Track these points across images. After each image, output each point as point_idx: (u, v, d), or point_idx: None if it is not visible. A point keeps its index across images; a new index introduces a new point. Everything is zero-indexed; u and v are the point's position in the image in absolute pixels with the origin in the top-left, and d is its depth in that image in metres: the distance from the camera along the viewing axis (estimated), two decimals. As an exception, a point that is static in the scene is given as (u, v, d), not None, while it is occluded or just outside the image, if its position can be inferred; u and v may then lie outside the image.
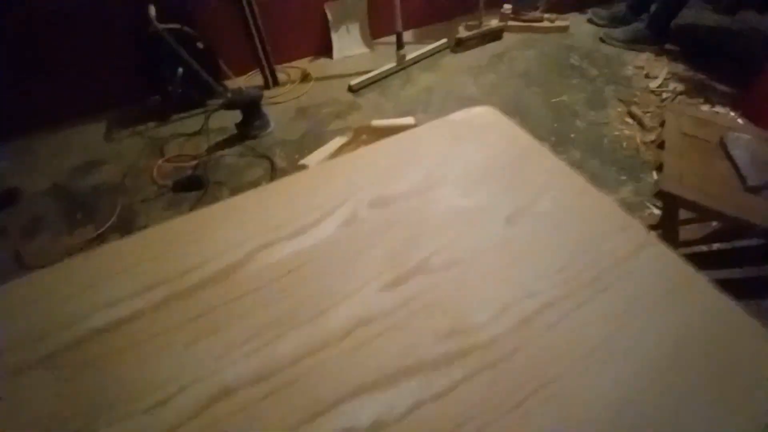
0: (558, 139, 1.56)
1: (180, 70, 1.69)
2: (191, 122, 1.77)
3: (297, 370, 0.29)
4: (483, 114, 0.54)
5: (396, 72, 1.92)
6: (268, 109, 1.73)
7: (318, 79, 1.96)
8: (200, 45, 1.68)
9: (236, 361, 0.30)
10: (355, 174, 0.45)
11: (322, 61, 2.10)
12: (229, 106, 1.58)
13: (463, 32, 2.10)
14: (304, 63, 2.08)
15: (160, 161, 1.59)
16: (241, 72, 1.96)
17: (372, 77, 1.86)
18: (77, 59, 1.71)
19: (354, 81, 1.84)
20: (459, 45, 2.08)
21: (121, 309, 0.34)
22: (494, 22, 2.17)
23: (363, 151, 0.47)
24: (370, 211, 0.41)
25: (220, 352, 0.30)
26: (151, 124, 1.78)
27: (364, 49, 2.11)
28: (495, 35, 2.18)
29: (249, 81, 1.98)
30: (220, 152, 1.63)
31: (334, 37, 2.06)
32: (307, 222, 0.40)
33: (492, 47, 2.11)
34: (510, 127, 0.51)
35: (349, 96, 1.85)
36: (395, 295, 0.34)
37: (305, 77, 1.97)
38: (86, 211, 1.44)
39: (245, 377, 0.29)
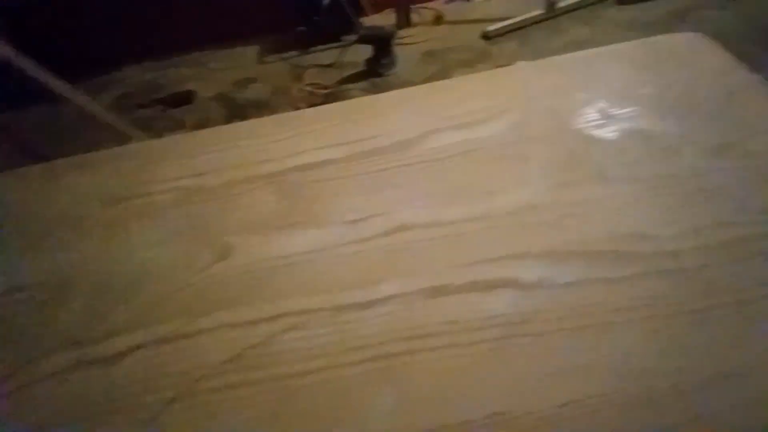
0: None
1: (326, 0, 1.79)
2: (327, 55, 1.90)
3: (468, 227, 0.33)
4: (690, 40, 0.46)
5: (542, 21, 1.72)
6: (397, 49, 1.75)
7: (451, 22, 1.88)
8: (349, -23, 1.74)
9: (413, 208, 0.35)
10: (532, 83, 0.44)
11: (458, 3, 1.99)
12: (364, 40, 1.64)
13: (637, -21, 1.74)
14: (438, 5, 2.00)
15: (298, 86, 1.77)
16: (377, 10, 1.99)
17: (512, 24, 1.71)
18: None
19: (490, 27, 1.72)
20: (628, -6, 1.74)
21: (313, 156, 0.41)
22: (683, -31, 1.74)
23: (543, 63, 0.45)
24: (542, 120, 0.40)
25: (400, 200, 0.36)
26: (294, 53, 1.97)
27: (508, -7, 1.92)
28: (680, -13, 1.75)
29: (383, 20, 2.00)
30: (348, 85, 1.73)
31: (479, -22, 1.91)
32: (476, 118, 0.41)
33: (672, 1, 1.71)
34: (723, 58, 0.43)
35: (482, 43, 1.74)
36: (568, 194, 0.34)
37: (437, 19, 1.90)
38: (241, 120, 1.71)
39: (421, 221, 0.34)
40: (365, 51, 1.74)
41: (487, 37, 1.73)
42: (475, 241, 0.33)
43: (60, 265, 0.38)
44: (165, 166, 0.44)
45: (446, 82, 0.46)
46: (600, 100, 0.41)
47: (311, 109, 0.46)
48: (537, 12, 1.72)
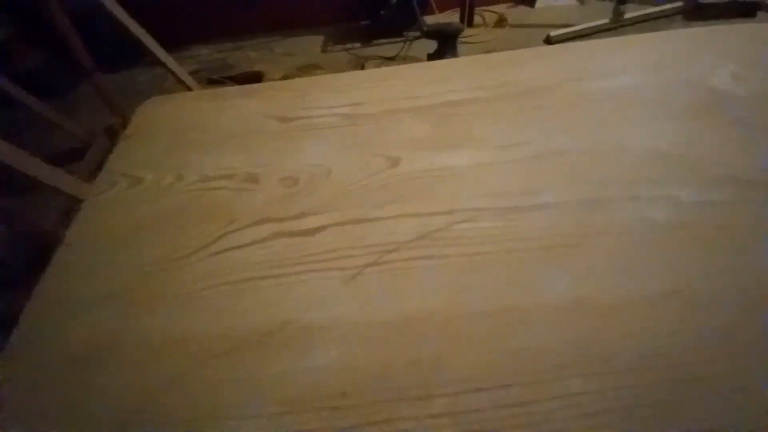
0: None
1: (395, -3, 1.88)
2: (388, 48, 1.99)
3: (617, 154, 0.37)
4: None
5: (607, 30, 1.75)
6: (460, 47, 1.81)
7: (514, 25, 1.93)
8: (420, -25, 1.83)
9: (562, 138, 0.40)
10: (662, 46, 0.48)
11: (522, 8, 2.04)
12: (431, 35, 1.71)
13: (707, -3, 1.74)
14: (501, 8, 2.05)
15: (359, 74, 1.86)
16: (441, 9, 2.07)
17: (576, 31, 1.74)
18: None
19: (554, 32, 1.76)
20: (696, 12, 1.74)
21: (459, 95, 0.47)
22: (756, -10, 1.73)
23: (672, 33, 0.49)
24: (675, 76, 0.44)
25: (548, 131, 0.41)
26: (357, 44, 2.06)
27: (572, 2, 1.96)
28: (748, 9, 1.74)
29: (445, 19, 2.07)
30: (408, 77, 1.80)
31: (544, -15, 1.96)
32: (610, 71, 0.46)
33: (738, 21, 1.70)
34: None
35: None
36: (709, 137, 0.38)
37: (500, 22, 1.96)
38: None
39: (572, 147, 0.39)
40: (427, 46, 1.81)
41: (550, 41, 1.77)
42: (627, 164, 0.37)
43: (244, 162, 0.44)
44: (323, 97, 0.50)
45: (578, 43, 0.50)
46: (728, 65, 0.44)
47: (448, 60, 0.52)
48: (602, 21, 1.74)
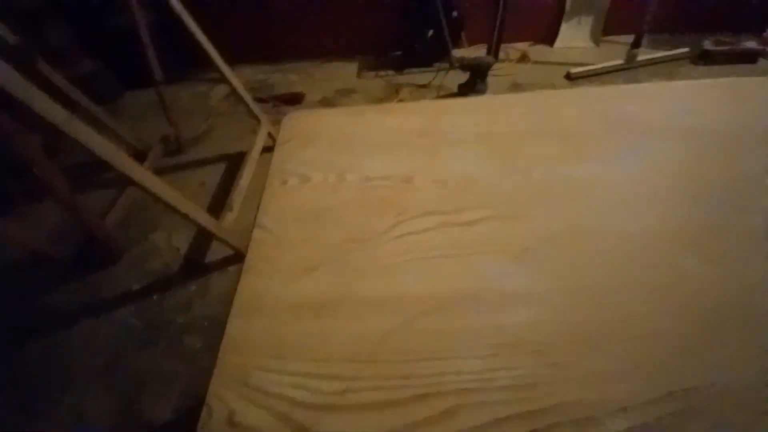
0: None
1: (430, 31, 2.06)
2: (419, 77, 2.15)
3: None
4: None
5: (621, 70, 1.93)
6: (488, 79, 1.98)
7: (535, 62, 2.11)
8: (455, 14, 2.02)
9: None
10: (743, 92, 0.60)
11: (540, 47, 2.24)
12: (466, 68, 1.88)
13: (709, 46, 1.95)
14: (523, 46, 2.25)
15: (395, 101, 2.00)
16: (470, 43, 2.26)
17: (594, 69, 1.92)
18: (348, 12, 2.25)
19: (574, 69, 1.93)
20: (703, 57, 1.94)
21: (580, 124, 0.57)
22: (751, 44, 1.95)
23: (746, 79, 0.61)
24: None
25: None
26: (390, 72, 2.23)
27: (588, 44, 2.16)
28: (750, 57, 1.95)
29: (471, 53, 2.26)
30: (441, 104, 1.95)
31: (564, 27, 2.17)
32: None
33: (744, 69, 1.90)
34: None
35: (565, 83, 1.95)
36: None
37: (523, 58, 2.15)
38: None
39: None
40: (457, 76, 1.97)
41: (569, 77, 1.94)
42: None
43: (397, 166, 0.53)
44: (455, 118, 0.60)
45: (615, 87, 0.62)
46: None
47: (564, 90, 0.63)
48: (618, 61, 1.93)
